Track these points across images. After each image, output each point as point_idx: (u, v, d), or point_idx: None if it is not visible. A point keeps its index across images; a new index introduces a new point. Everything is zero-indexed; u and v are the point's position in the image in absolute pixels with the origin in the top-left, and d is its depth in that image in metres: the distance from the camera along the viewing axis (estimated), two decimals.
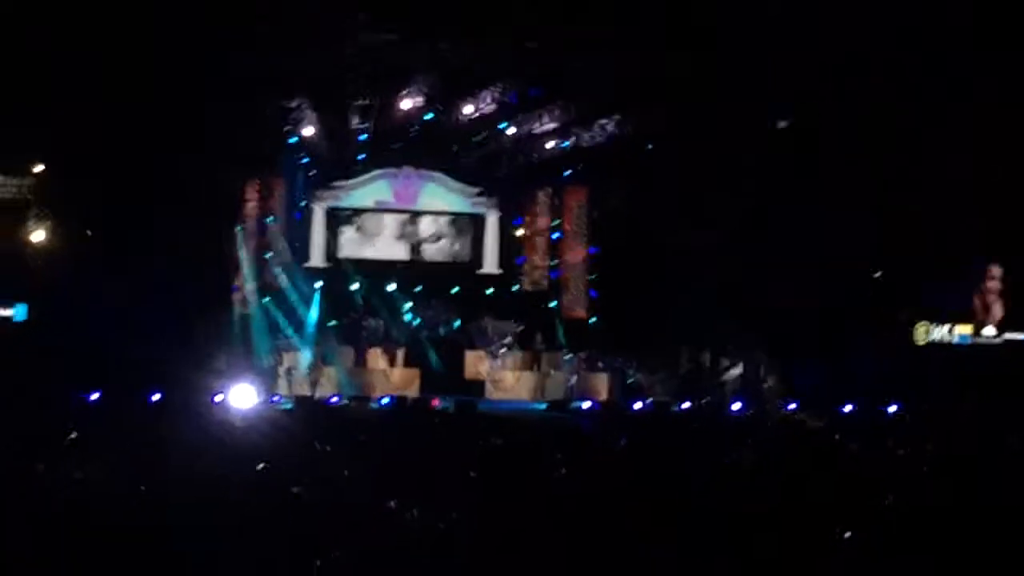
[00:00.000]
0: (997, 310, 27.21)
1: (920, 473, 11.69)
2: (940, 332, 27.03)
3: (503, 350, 29.83)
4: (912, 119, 24.35)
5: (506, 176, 31.22)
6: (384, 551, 7.92)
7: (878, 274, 27.03)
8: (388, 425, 20.06)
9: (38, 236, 25.50)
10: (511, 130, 28.87)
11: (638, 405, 26.05)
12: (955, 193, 24.46)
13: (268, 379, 26.94)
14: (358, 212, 31.39)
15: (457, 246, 31.87)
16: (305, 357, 28.21)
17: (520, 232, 32.25)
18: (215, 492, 9.35)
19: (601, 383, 28.96)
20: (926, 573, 7.84)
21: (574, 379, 28.83)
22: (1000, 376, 24.59)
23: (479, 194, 31.66)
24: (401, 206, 31.45)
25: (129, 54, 22.08)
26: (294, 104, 26.78)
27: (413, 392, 27.54)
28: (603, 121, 27.70)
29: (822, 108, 24.73)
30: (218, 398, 23.02)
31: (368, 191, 31.37)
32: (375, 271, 30.82)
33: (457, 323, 30.98)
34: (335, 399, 25.87)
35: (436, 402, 24.36)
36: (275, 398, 25.49)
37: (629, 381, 28.89)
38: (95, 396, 22.03)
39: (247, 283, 29.26)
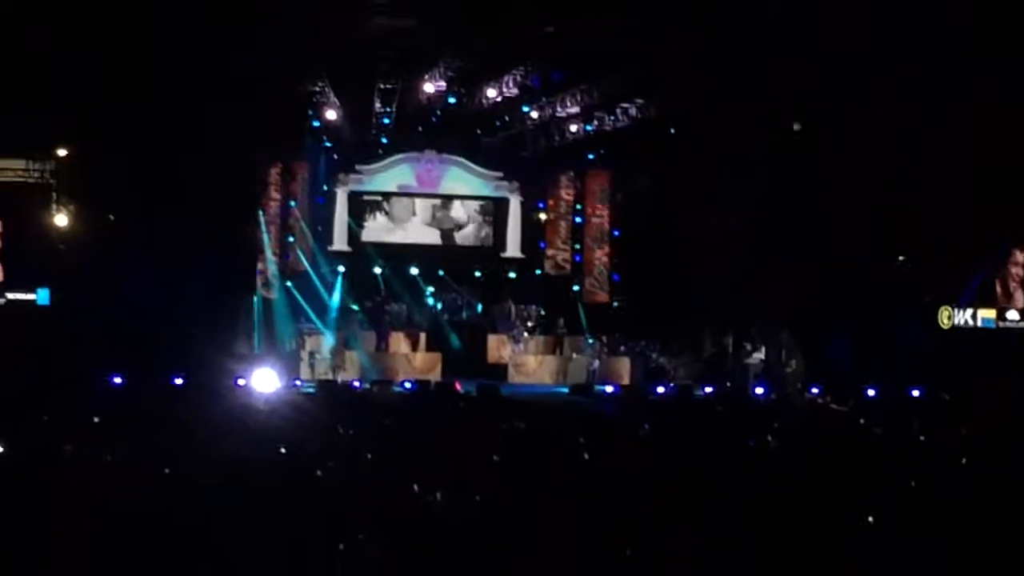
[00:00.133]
0: (1020, 295, 27.05)
1: (950, 457, 11.61)
2: (963, 316, 26.88)
3: (525, 334, 29.83)
4: (913, 116, 24.23)
5: (529, 160, 31.20)
6: (407, 535, 7.92)
7: (902, 258, 26.90)
8: (411, 409, 20.10)
9: (61, 220, 25.56)
10: (534, 114, 28.80)
11: (661, 389, 26.00)
12: (982, 174, 24.32)
13: (290, 363, 26.97)
14: (387, 198, 31.40)
15: (485, 231, 31.88)
16: (328, 341, 28.24)
17: (543, 216, 32.25)
18: (238, 475, 9.38)
19: (623, 367, 28.95)
20: (949, 557, 7.79)
21: (596, 363, 28.82)
22: None
23: (501, 178, 31.64)
24: (424, 190, 31.45)
25: (153, 36, 22.07)
26: (317, 88, 26.76)
27: (435, 376, 27.53)
28: (626, 105, 27.60)
29: (846, 91, 24.60)
30: (240, 382, 23.06)
31: (390, 175, 31.37)
32: (397, 254, 30.84)
33: (480, 307, 31.02)
34: (357, 383, 25.88)
35: (458, 386, 24.37)
36: (297, 382, 25.51)
37: (652, 365, 28.88)
38: (118, 379, 22.11)
39: (270, 267, 29.30)
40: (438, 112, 29.26)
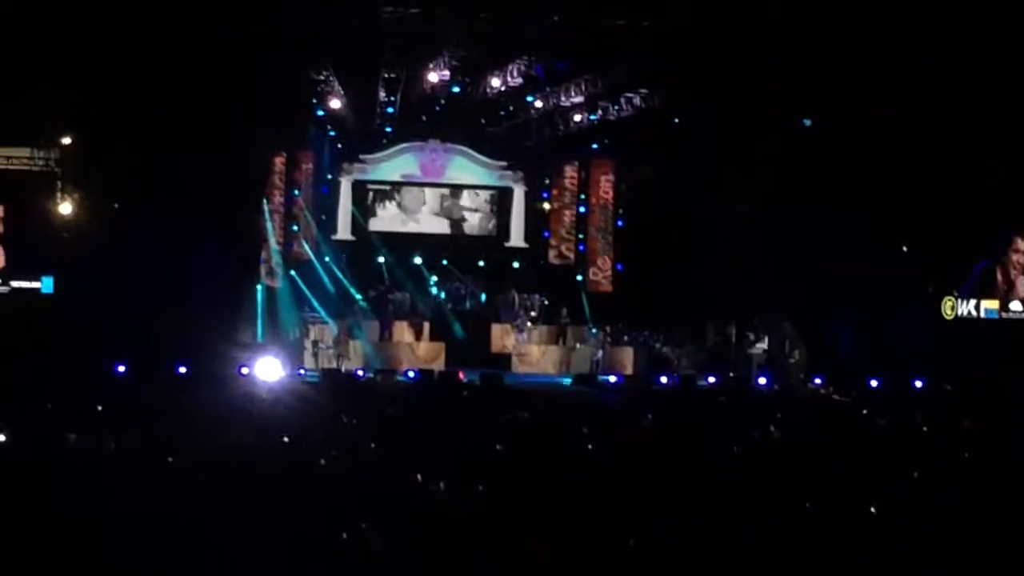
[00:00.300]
0: (1021, 283, 27.02)
1: (952, 448, 11.63)
2: (966, 307, 26.86)
3: (528, 324, 29.83)
4: (914, 108, 24.20)
5: (533, 149, 31.18)
6: (410, 524, 7.94)
7: (905, 248, 26.86)
8: (415, 399, 20.13)
9: (65, 209, 25.56)
10: (538, 103, 28.76)
11: (664, 379, 26.00)
12: (984, 163, 24.29)
13: (294, 352, 26.97)
14: (397, 188, 31.40)
15: (493, 222, 31.90)
16: (331, 330, 28.24)
17: (547, 205, 32.24)
18: (241, 464, 9.40)
19: (627, 357, 28.91)
20: (952, 549, 7.80)
21: (600, 353, 28.79)
22: None
23: (506, 167, 31.64)
24: (428, 179, 31.45)
25: (157, 25, 22.04)
26: (321, 77, 26.74)
27: (439, 366, 27.52)
28: (630, 95, 27.56)
29: (855, 81, 24.56)
30: (244, 371, 23.08)
31: (395, 164, 31.38)
32: (402, 244, 30.85)
33: (483, 296, 31.02)
34: (361, 372, 25.89)
35: (461, 375, 24.38)
36: (301, 371, 25.51)
37: (655, 355, 28.86)
38: (122, 368, 22.13)
39: (273, 256, 29.30)
40: (442, 101, 29.18)
